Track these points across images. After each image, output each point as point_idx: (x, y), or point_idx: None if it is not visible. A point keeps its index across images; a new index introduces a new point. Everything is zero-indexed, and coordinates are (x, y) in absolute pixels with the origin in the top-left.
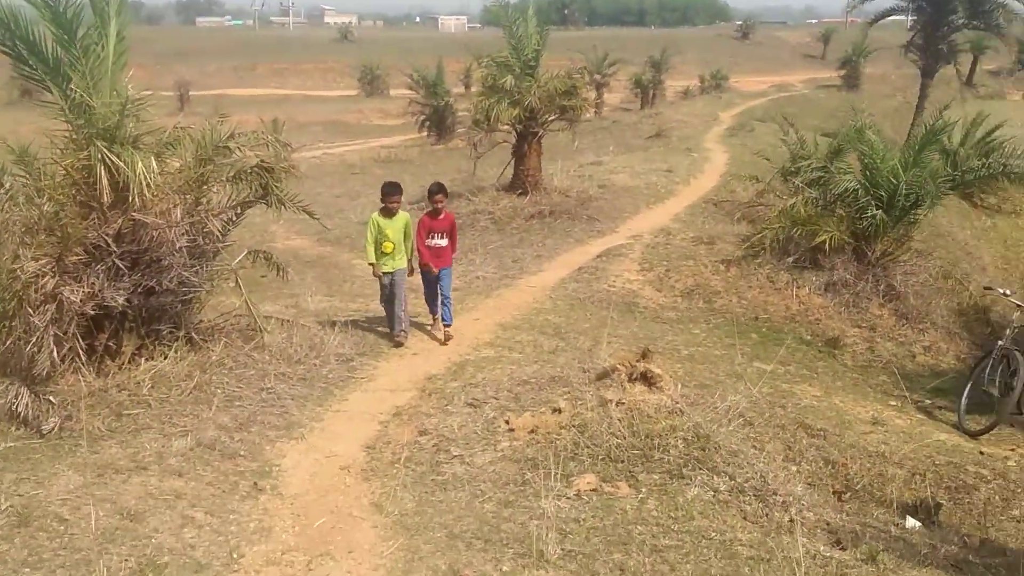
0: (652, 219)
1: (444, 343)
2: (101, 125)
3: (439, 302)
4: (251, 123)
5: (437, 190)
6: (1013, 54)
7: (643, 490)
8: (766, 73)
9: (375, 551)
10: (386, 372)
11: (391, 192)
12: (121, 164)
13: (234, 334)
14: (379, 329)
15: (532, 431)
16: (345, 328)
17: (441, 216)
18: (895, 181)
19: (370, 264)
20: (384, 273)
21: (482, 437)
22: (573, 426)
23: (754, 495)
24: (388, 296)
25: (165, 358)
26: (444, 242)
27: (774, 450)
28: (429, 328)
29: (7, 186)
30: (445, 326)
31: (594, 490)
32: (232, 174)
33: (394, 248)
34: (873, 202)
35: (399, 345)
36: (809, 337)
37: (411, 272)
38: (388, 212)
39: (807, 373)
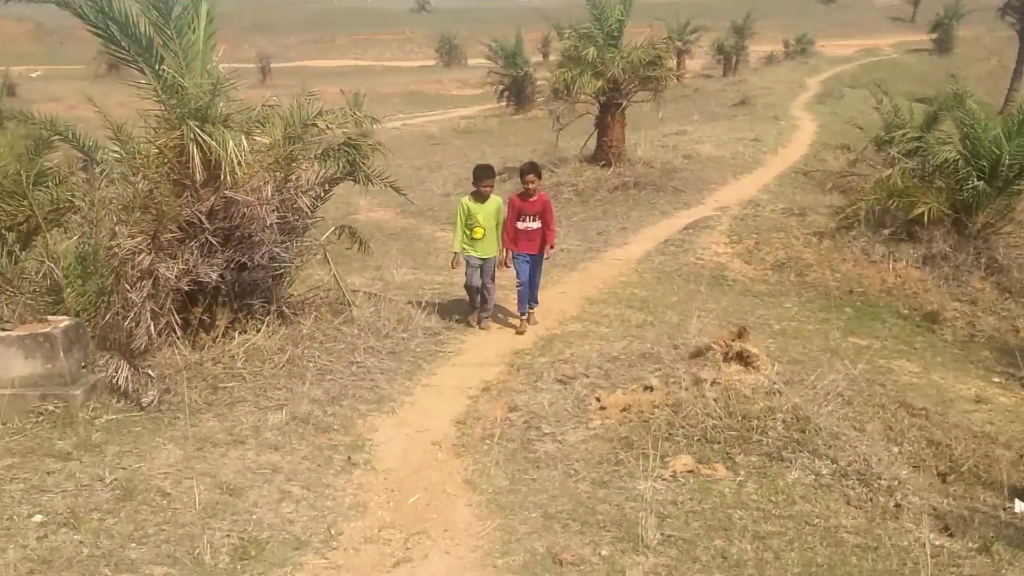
0: (739, 190)
1: (520, 331)
2: (193, 105)
3: (529, 287)
4: (332, 95)
5: (529, 170)
6: None
7: (741, 473)
8: (853, 37)
9: (471, 531)
10: (474, 346)
11: (483, 175)
12: (213, 143)
13: (323, 308)
14: (466, 300)
15: (624, 409)
16: (431, 302)
17: (534, 198)
18: (998, 151)
19: (453, 253)
20: (473, 258)
21: (573, 415)
22: (667, 405)
23: (857, 479)
24: (475, 282)
25: (258, 332)
26: (536, 224)
27: (875, 431)
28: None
29: (103, 164)
30: (521, 315)
31: (691, 472)
32: (320, 151)
33: (485, 234)
34: (974, 173)
35: (484, 328)
36: (906, 311)
37: (503, 263)
38: (480, 196)
39: (905, 349)
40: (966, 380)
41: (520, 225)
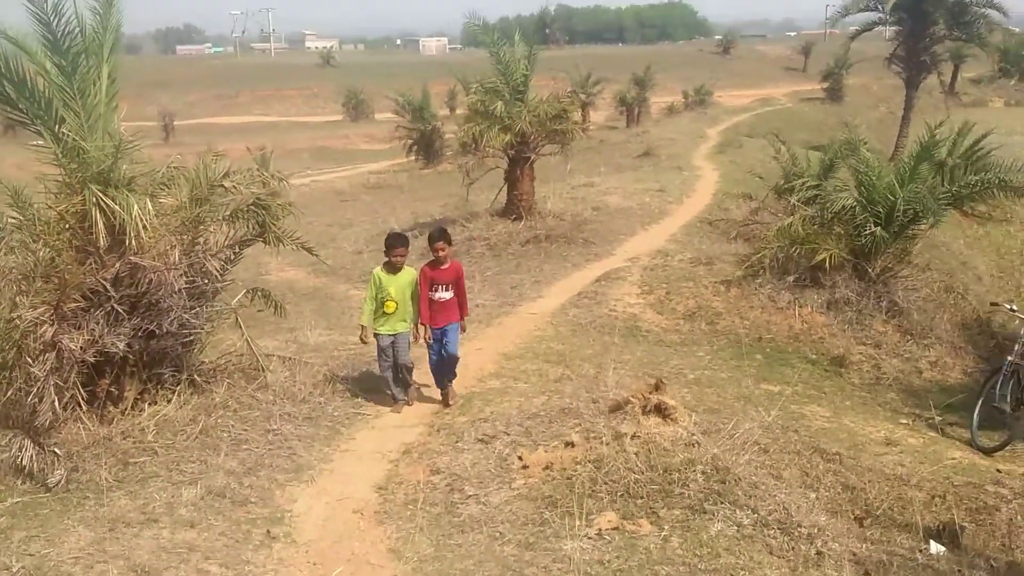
0: (648, 240)
1: (446, 405)
2: (95, 168)
3: (444, 364)
4: (238, 152)
5: (438, 236)
6: (994, 62)
7: (665, 527)
8: (749, 87)
9: None
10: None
11: (395, 244)
12: (116, 207)
13: (236, 374)
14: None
15: (546, 467)
16: (348, 363)
17: (445, 266)
18: (892, 197)
19: (360, 326)
20: (384, 335)
21: (496, 475)
22: (588, 461)
23: (778, 528)
24: (389, 363)
25: (168, 402)
26: (449, 295)
27: (792, 477)
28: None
29: (1, 232)
30: (445, 385)
31: (615, 528)
32: (228, 212)
33: (397, 308)
34: (871, 219)
35: (410, 404)
36: (814, 356)
37: (416, 337)
38: (392, 267)
39: (815, 393)
40: (875, 423)
41: (432, 295)
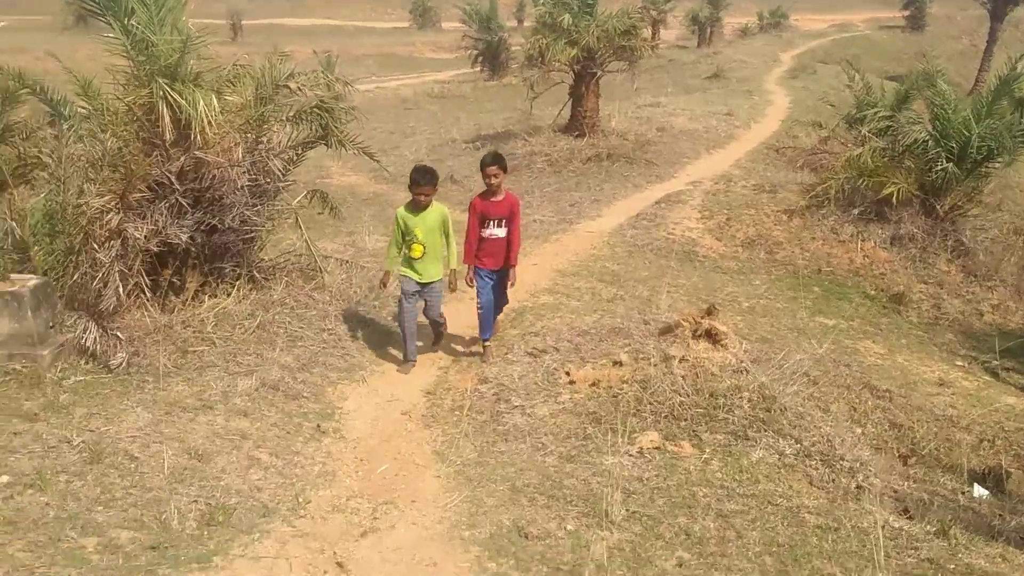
0: (712, 165)
1: (483, 361)
2: (163, 62)
3: (491, 309)
4: (304, 55)
5: (491, 161)
6: None
7: (707, 450)
8: (827, 11)
9: (439, 502)
10: (446, 317)
11: (420, 180)
12: (183, 102)
13: (294, 273)
14: None
15: (593, 384)
16: None
17: (499, 197)
18: (967, 133)
19: (384, 273)
20: (410, 280)
21: (543, 388)
22: (635, 381)
23: (820, 459)
24: (410, 318)
25: (228, 296)
26: (502, 232)
27: (839, 411)
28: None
29: (71, 120)
30: (483, 341)
31: (657, 448)
32: (292, 113)
33: (424, 252)
34: (943, 154)
35: (406, 372)
36: (873, 292)
37: (453, 287)
38: (417, 205)
39: (871, 329)
40: (930, 363)
41: (483, 233)
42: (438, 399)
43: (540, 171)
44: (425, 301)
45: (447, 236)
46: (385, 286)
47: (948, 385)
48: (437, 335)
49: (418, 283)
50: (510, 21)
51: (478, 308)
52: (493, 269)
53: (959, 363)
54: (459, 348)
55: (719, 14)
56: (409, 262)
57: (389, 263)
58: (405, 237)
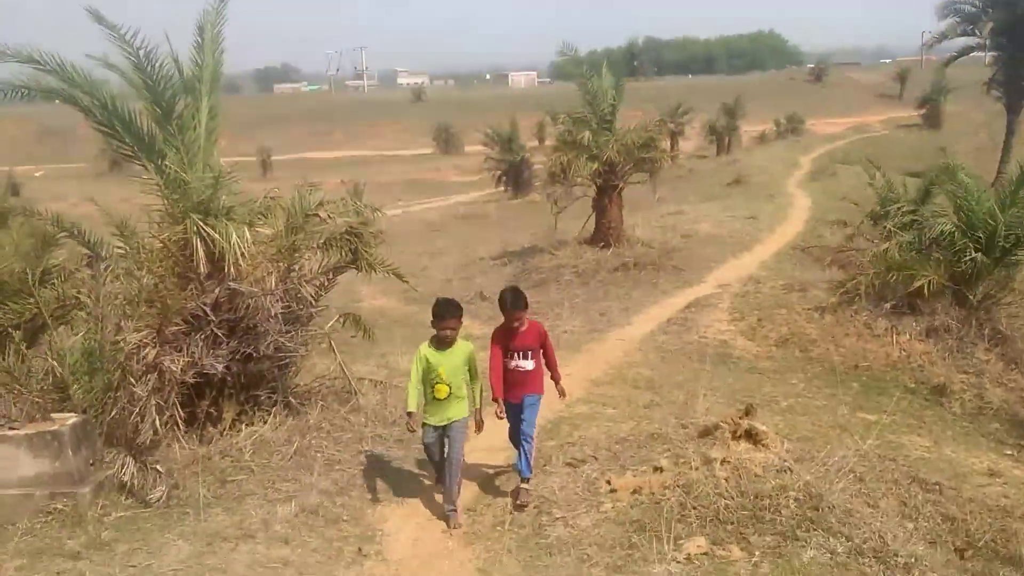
0: (739, 267)
1: (516, 508)
2: (196, 199)
3: (519, 444)
4: (332, 185)
5: (513, 303)
6: None
7: (756, 553)
8: (842, 115)
9: None
10: (484, 434)
11: (445, 314)
12: (216, 236)
13: (330, 397)
14: None
15: (635, 491)
16: None
17: (524, 328)
18: (993, 222)
19: (407, 413)
20: (431, 427)
21: (584, 498)
22: (678, 486)
23: (873, 556)
24: (435, 454)
25: (265, 423)
26: (529, 364)
27: (889, 507)
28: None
29: (108, 260)
30: (522, 480)
31: (705, 554)
32: (322, 240)
33: (450, 392)
34: (971, 244)
35: (456, 526)
36: (913, 385)
37: (479, 427)
38: (442, 342)
39: (914, 423)
40: (978, 453)
41: (509, 364)
42: (479, 515)
43: (568, 283)
44: (447, 438)
45: (471, 374)
46: (413, 430)
47: (999, 475)
48: (451, 476)
49: (437, 427)
50: (531, 141)
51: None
52: (515, 403)
53: (1008, 452)
54: (492, 464)
55: (736, 123)
56: (432, 404)
57: (413, 403)
58: (428, 376)
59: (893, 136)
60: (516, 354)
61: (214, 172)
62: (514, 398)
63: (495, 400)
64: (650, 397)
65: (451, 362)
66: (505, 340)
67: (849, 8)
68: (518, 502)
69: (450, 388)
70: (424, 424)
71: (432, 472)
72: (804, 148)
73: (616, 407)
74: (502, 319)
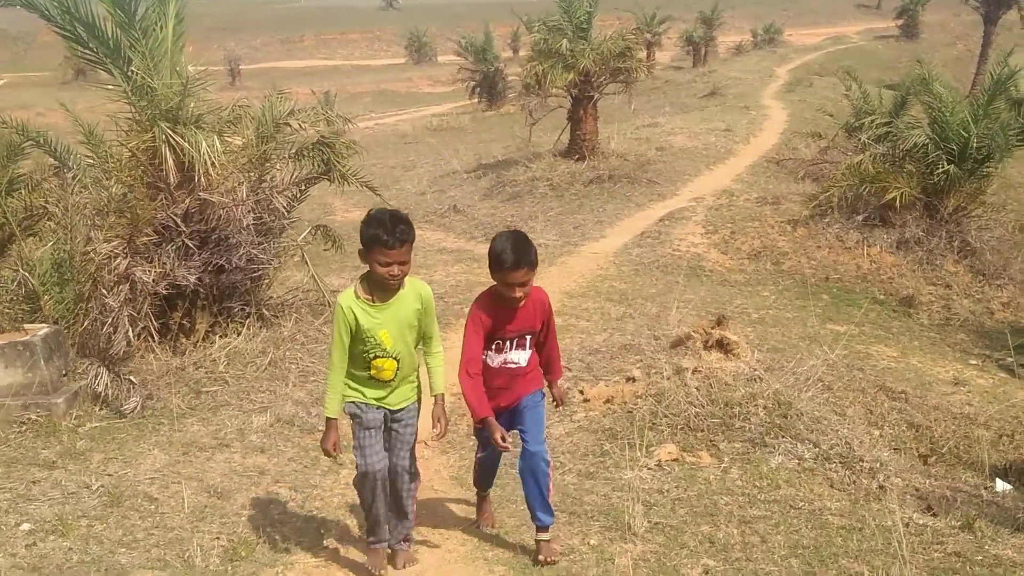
0: (713, 180)
1: (542, 562)
2: (164, 106)
3: (527, 474)
4: (303, 95)
5: (517, 256)
6: None
7: (725, 459)
8: (820, 25)
9: (460, 526)
10: (455, 344)
11: (389, 239)
12: (185, 144)
13: (303, 309)
14: (446, 299)
15: (607, 401)
16: None
17: (521, 304)
18: (966, 134)
19: (327, 422)
20: (371, 408)
21: (557, 408)
22: (649, 395)
23: (840, 462)
24: (377, 469)
25: (238, 335)
26: (523, 357)
27: (856, 415)
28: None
29: (75, 169)
30: (539, 529)
31: (675, 460)
32: (294, 151)
33: (398, 371)
34: (944, 156)
35: (398, 568)
36: (882, 297)
37: (440, 431)
38: (382, 288)
39: (882, 334)
40: (944, 363)
41: (495, 359)
42: (453, 425)
43: (542, 196)
44: (391, 434)
45: (427, 337)
46: (332, 454)
47: (963, 384)
48: (400, 511)
49: (386, 408)
50: (505, 51)
51: (477, 458)
52: (506, 407)
53: (973, 362)
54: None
55: (713, 33)
56: (370, 384)
57: (333, 404)
58: (360, 347)
59: (870, 47)
60: (508, 343)
61: (182, 79)
62: (504, 401)
63: (480, 424)
64: (623, 309)
65: (397, 320)
66: (495, 320)
67: None
68: (542, 558)
69: (398, 364)
70: (361, 405)
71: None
72: (780, 59)
73: (589, 319)
74: (477, 241)
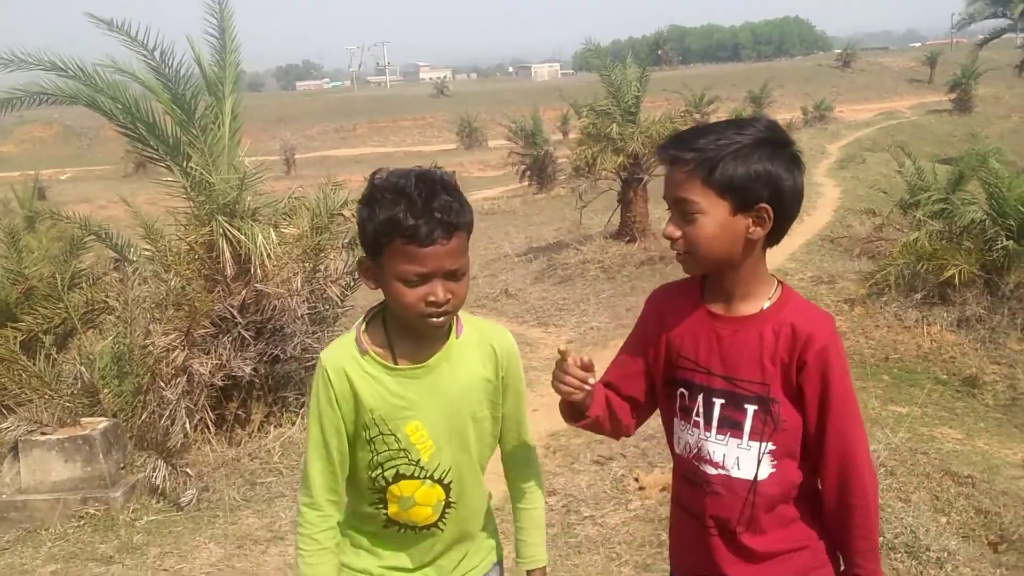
0: (767, 260)
1: None
2: (221, 200)
3: None
4: (357, 182)
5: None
6: None
7: None
8: (871, 101)
9: None
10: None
11: (412, 214)
12: (242, 237)
13: None
14: None
15: (663, 489)
16: None
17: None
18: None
19: None
20: None
21: (612, 496)
22: None
23: (905, 551)
24: None
25: (293, 424)
26: (749, 469)
27: (921, 501)
28: None
29: (135, 263)
30: None
31: None
32: (347, 240)
33: (447, 503)
34: (1002, 233)
35: None
36: (945, 376)
37: None
38: (415, 332)
39: (946, 415)
40: (1011, 445)
41: (689, 442)
42: (507, 514)
43: (594, 279)
44: None
45: (512, 437)
46: None
47: None
48: None
49: None
50: (555, 134)
51: None
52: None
53: None
54: None
55: (762, 111)
56: (388, 542)
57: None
58: (368, 460)
59: (923, 121)
60: (714, 408)
61: (239, 173)
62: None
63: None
64: None
65: (446, 399)
66: (695, 345)
67: None
68: None
69: (448, 495)
70: None
71: None
72: (832, 135)
73: None
74: (529, 325)
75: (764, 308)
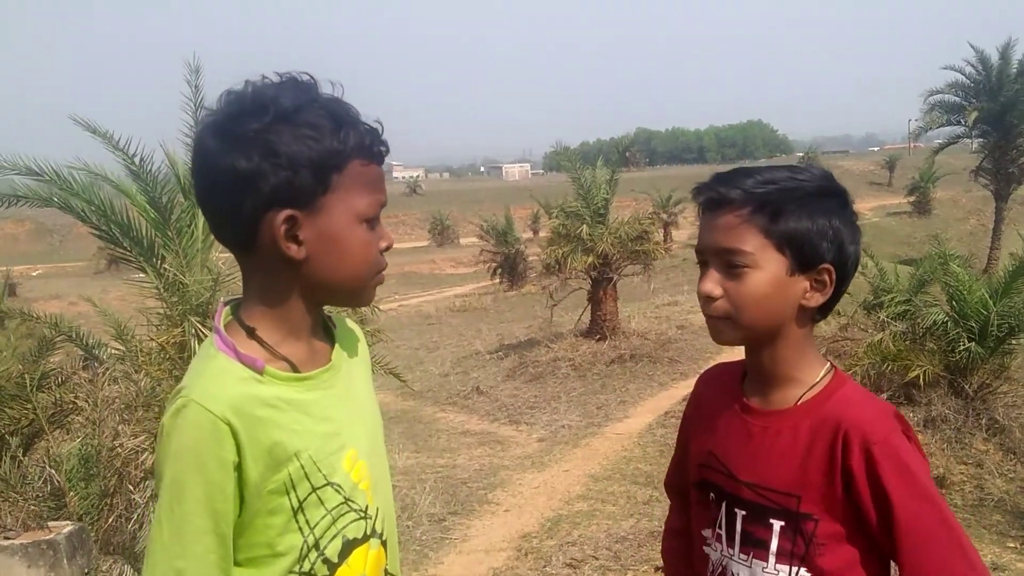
0: (735, 358)
1: None
2: (195, 301)
3: None
4: None
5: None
6: None
7: None
8: None
9: None
10: (480, 532)
11: (342, 121)
12: None
13: None
14: (470, 485)
15: None
16: (435, 486)
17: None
18: (985, 312)
19: None
20: None
21: None
22: None
23: None
24: None
25: None
26: None
27: None
28: None
29: (105, 362)
30: None
31: None
32: None
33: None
34: (964, 334)
35: None
36: None
37: None
38: (301, 325)
39: None
40: (980, 546)
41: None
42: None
43: (565, 376)
44: None
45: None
46: None
47: (1003, 569)
48: None
49: None
50: (526, 233)
51: None
52: None
53: (1011, 544)
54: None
55: None
56: None
57: None
58: (302, 554)
59: (884, 223)
60: (736, 520)
61: (212, 275)
62: None
63: None
64: (650, 492)
65: (360, 407)
66: (721, 446)
67: (838, 97)
68: None
69: (386, 551)
70: None
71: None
72: None
73: (616, 504)
74: (500, 423)
75: (804, 398)
